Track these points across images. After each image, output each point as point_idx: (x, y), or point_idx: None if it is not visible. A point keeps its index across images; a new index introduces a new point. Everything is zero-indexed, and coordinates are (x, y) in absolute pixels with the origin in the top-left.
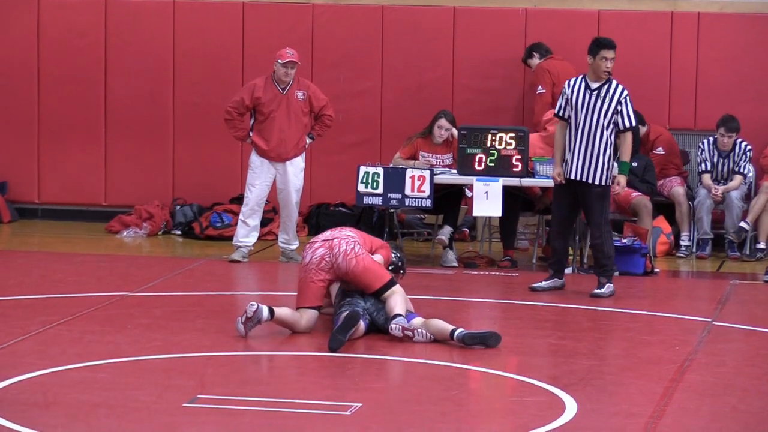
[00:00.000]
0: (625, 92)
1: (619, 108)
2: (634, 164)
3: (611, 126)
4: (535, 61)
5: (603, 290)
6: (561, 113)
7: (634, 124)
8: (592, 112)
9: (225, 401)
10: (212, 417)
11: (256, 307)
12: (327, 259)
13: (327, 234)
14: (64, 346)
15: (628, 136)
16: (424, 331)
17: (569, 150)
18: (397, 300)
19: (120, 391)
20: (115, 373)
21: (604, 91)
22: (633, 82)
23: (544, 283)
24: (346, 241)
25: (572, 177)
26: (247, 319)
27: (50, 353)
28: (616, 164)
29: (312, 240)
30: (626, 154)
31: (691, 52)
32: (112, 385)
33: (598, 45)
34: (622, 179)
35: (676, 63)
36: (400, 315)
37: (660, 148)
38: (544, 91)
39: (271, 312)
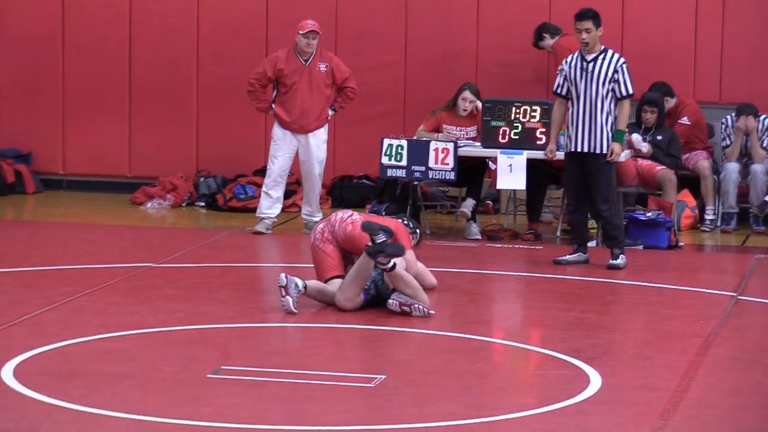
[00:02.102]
0: (621, 60)
1: (616, 76)
2: (659, 137)
3: (610, 94)
4: (548, 41)
5: (619, 261)
6: (559, 90)
7: (631, 91)
8: (590, 82)
9: (248, 372)
10: (236, 388)
11: (283, 276)
12: (327, 230)
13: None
14: (87, 316)
15: (626, 104)
16: (421, 306)
17: (571, 123)
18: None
19: (144, 362)
20: (139, 344)
21: (600, 60)
22: (659, 55)
23: (568, 256)
24: (343, 212)
25: (576, 149)
26: (285, 288)
27: (74, 324)
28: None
29: (317, 222)
30: (622, 122)
31: (717, 24)
32: (135, 355)
33: (575, 17)
34: (616, 146)
35: (701, 36)
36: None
37: (685, 118)
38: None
39: (304, 283)
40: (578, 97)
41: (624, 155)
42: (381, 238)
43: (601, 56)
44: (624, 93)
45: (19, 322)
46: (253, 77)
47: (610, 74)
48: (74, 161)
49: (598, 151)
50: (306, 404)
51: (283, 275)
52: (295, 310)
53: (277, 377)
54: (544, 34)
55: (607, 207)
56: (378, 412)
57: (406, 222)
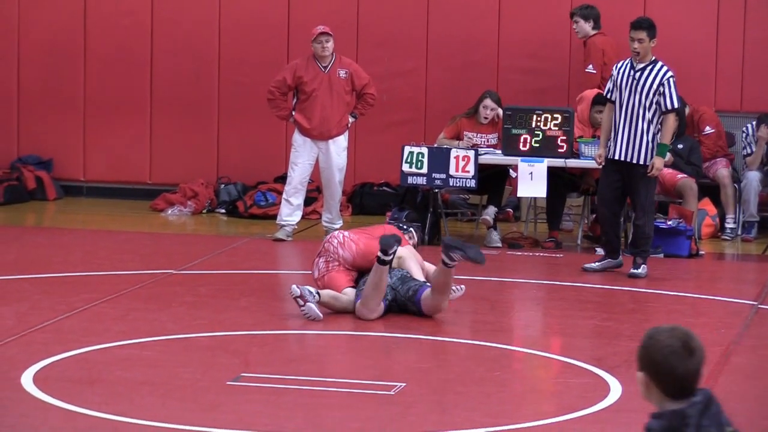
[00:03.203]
0: (669, 73)
1: (661, 89)
2: (680, 146)
3: (654, 107)
4: (585, 27)
5: (640, 270)
6: (609, 95)
7: (676, 105)
8: (635, 92)
9: (269, 380)
10: (256, 395)
11: (295, 287)
12: (330, 258)
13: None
14: (108, 323)
15: (670, 117)
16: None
17: (614, 130)
18: (411, 266)
19: (164, 369)
20: (160, 351)
21: (647, 71)
22: (679, 63)
23: (596, 264)
24: (335, 237)
25: (616, 157)
26: (301, 298)
27: (95, 330)
28: None
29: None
30: (666, 136)
31: (738, 32)
32: (156, 362)
33: (630, 25)
34: (658, 161)
35: (723, 44)
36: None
37: (708, 127)
38: (594, 72)
39: (317, 290)
40: (621, 105)
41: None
42: (395, 247)
43: (650, 67)
44: (669, 107)
45: (40, 328)
46: (273, 85)
47: (655, 86)
48: (95, 168)
49: (634, 161)
50: (326, 412)
51: (294, 286)
52: (321, 315)
53: (297, 384)
54: (589, 19)
55: (642, 215)
56: (398, 419)
57: (398, 225)
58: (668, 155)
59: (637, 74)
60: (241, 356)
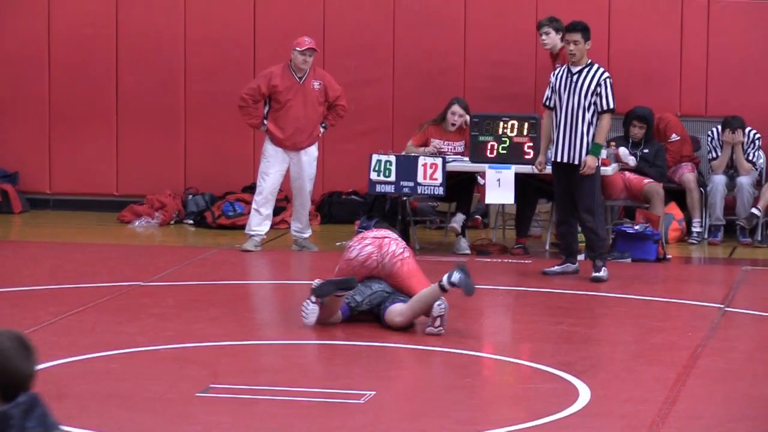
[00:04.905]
0: (606, 74)
1: (599, 90)
2: (646, 151)
3: (592, 107)
4: (555, 38)
5: (602, 273)
6: (547, 102)
7: (611, 106)
8: (573, 94)
9: (238, 390)
10: (225, 406)
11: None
12: (374, 257)
13: (377, 233)
14: (75, 336)
15: (605, 117)
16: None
17: (555, 134)
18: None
19: (132, 382)
20: (128, 364)
21: (584, 73)
22: (644, 69)
23: (556, 267)
24: (396, 242)
25: (558, 159)
26: (317, 298)
27: (62, 344)
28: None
29: (361, 235)
30: (600, 136)
31: (702, 38)
32: (124, 375)
33: (565, 28)
34: (591, 160)
35: (687, 49)
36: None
37: (674, 135)
38: None
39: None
40: (561, 108)
41: (611, 169)
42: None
43: (587, 69)
44: (605, 107)
45: None
46: (246, 93)
47: (593, 87)
48: (61, 180)
49: (576, 162)
50: (296, 421)
51: (318, 281)
52: (313, 323)
53: (267, 395)
54: (558, 30)
55: (590, 218)
56: (368, 428)
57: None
58: (632, 160)
59: (575, 77)
60: (210, 367)
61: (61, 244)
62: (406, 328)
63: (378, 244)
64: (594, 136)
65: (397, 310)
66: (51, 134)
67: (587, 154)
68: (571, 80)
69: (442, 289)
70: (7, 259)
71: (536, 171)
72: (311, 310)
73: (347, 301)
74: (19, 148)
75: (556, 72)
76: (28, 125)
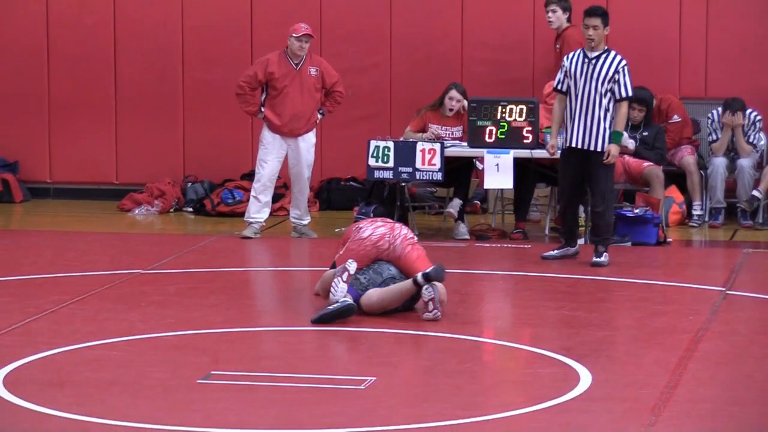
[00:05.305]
0: (623, 62)
1: (616, 77)
2: (645, 133)
3: (608, 94)
4: (562, 17)
5: (603, 259)
6: (560, 87)
7: (630, 94)
8: (590, 80)
9: (239, 377)
10: (226, 393)
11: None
12: (387, 238)
13: (379, 220)
14: (77, 324)
15: (623, 105)
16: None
17: (570, 119)
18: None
19: (133, 369)
20: (129, 351)
21: (602, 60)
22: (643, 51)
23: (555, 251)
24: (407, 229)
25: (574, 145)
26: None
27: (63, 332)
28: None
29: (371, 219)
30: (620, 124)
31: (701, 20)
32: (125, 362)
33: (584, 13)
34: (613, 148)
35: (686, 31)
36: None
37: (675, 116)
38: None
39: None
40: (576, 94)
41: None
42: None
43: (604, 55)
44: (623, 94)
45: (8, 331)
46: (243, 80)
47: (610, 74)
48: (61, 169)
49: (592, 148)
50: (296, 407)
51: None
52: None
53: (268, 381)
54: (565, 9)
55: (602, 204)
56: (368, 414)
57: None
58: (632, 144)
59: (592, 63)
60: (211, 354)
61: (61, 233)
62: (387, 314)
63: (390, 226)
64: (612, 123)
65: (373, 296)
66: (51, 123)
67: (606, 140)
68: (589, 66)
69: (416, 283)
70: (8, 248)
71: (548, 155)
72: (341, 289)
73: (360, 291)
74: (20, 137)
75: (571, 56)
76: (28, 115)
